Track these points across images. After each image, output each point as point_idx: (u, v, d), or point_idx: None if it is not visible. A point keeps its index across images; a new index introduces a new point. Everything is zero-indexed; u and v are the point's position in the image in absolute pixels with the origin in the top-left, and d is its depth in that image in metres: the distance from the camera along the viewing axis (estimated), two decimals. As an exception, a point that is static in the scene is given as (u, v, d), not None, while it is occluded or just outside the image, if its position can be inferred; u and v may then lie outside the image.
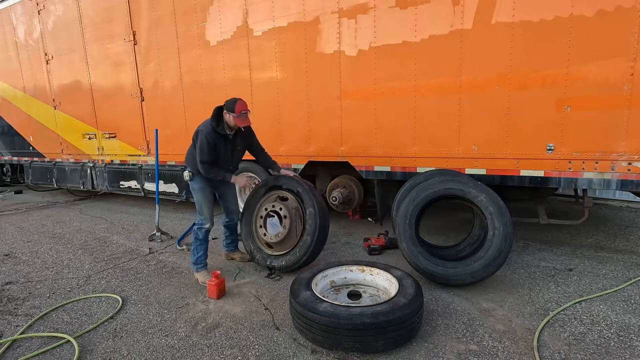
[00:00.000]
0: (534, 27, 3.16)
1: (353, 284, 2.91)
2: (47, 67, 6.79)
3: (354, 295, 2.83)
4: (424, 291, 2.60)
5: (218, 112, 3.22)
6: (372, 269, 2.88)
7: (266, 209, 3.58)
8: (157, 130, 4.87)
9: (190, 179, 3.36)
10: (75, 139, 6.82)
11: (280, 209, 3.49)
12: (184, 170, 3.39)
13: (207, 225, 3.43)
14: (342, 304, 2.33)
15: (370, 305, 2.29)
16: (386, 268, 2.82)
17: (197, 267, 3.40)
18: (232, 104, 3.13)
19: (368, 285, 2.89)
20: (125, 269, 3.77)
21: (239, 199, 4.55)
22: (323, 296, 2.48)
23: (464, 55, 3.45)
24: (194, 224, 3.44)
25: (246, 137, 3.48)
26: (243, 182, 3.51)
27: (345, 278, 2.92)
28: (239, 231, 3.80)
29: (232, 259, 3.89)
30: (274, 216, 3.54)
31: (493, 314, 2.69)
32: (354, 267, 2.93)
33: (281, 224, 3.49)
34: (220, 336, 2.52)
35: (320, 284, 2.76)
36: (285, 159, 4.65)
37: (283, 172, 3.65)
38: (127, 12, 5.51)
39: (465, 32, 3.42)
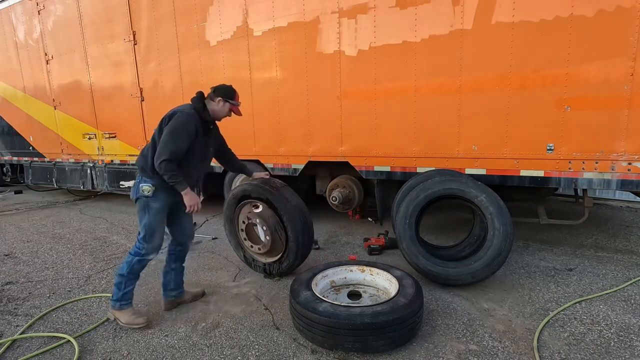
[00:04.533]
0: (534, 27, 3.16)
1: (353, 284, 2.91)
2: (47, 67, 6.78)
3: (354, 295, 2.83)
4: (424, 291, 2.60)
5: (202, 97, 2.69)
6: (372, 269, 2.88)
7: (244, 222, 3.40)
8: None
9: (152, 195, 2.56)
10: (75, 139, 6.82)
11: (257, 220, 3.29)
12: (142, 182, 2.57)
13: (151, 256, 2.67)
14: (342, 304, 2.33)
15: (370, 305, 2.29)
16: (386, 268, 2.82)
17: (121, 303, 2.62)
18: (231, 92, 2.75)
19: (368, 285, 2.89)
20: (125, 269, 3.77)
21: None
22: (323, 296, 2.48)
23: (464, 55, 3.45)
24: (138, 244, 2.61)
25: (217, 137, 2.94)
26: (196, 201, 2.62)
27: (345, 278, 2.92)
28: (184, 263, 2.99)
29: (182, 302, 2.95)
30: (256, 225, 3.35)
31: (493, 314, 2.69)
32: (354, 267, 2.93)
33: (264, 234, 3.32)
34: (220, 336, 2.52)
35: (320, 284, 2.76)
36: (286, 159, 4.66)
37: (256, 174, 3.33)
38: (127, 12, 5.51)
39: (465, 32, 3.42)
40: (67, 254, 4.32)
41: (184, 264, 2.98)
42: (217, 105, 2.70)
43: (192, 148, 2.57)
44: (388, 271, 2.76)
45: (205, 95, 2.72)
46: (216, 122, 2.82)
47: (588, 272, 3.31)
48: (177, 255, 2.92)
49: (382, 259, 3.78)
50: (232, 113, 2.79)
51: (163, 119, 2.59)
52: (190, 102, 2.67)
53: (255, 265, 3.51)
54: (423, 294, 2.50)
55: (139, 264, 2.64)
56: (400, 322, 2.21)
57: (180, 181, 2.50)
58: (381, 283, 2.80)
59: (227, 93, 2.73)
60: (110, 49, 5.86)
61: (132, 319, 2.60)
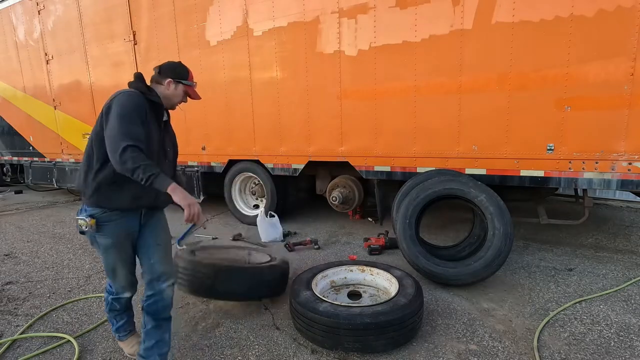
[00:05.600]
0: (534, 27, 3.16)
1: (353, 284, 2.91)
2: (47, 67, 6.78)
3: (354, 295, 2.83)
4: (424, 291, 2.60)
5: (142, 77, 2.06)
6: (372, 269, 2.88)
7: None
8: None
9: (95, 231, 1.88)
10: (75, 138, 6.82)
11: None
12: (78, 213, 1.93)
13: (127, 294, 2.16)
14: (342, 304, 2.33)
15: (370, 305, 2.30)
16: (386, 268, 2.82)
17: (119, 335, 2.30)
18: (182, 69, 2.12)
19: (368, 285, 2.89)
20: (125, 269, 3.77)
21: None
22: (323, 296, 2.48)
23: (464, 55, 3.45)
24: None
25: (173, 137, 2.25)
26: (193, 201, 1.78)
27: (346, 278, 2.92)
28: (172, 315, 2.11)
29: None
30: None
31: (493, 314, 2.69)
32: (354, 267, 2.94)
33: None
34: (220, 336, 2.53)
35: (321, 284, 2.76)
36: (286, 159, 4.66)
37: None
38: (127, 12, 5.51)
39: (465, 32, 3.41)
40: (67, 254, 4.32)
41: (157, 325, 1.99)
42: (167, 89, 2.07)
43: (147, 141, 1.88)
44: (388, 271, 2.76)
45: (150, 79, 2.13)
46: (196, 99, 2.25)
47: (588, 272, 3.31)
48: (146, 308, 1.99)
49: (382, 259, 3.78)
50: (188, 97, 2.18)
51: (101, 113, 1.88)
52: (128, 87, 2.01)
53: None
54: (423, 294, 2.50)
55: (117, 303, 2.20)
56: (401, 322, 2.21)
57: (158, 173, 1.71)
58: (381, 283, 2.80)
59: (177, 72, 2.10)
60: (110, 49, 5.86)
61: (135, 350, 2.20)
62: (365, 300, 2.76)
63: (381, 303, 2.32)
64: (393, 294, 2.45)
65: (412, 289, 2.44)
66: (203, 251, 3.09)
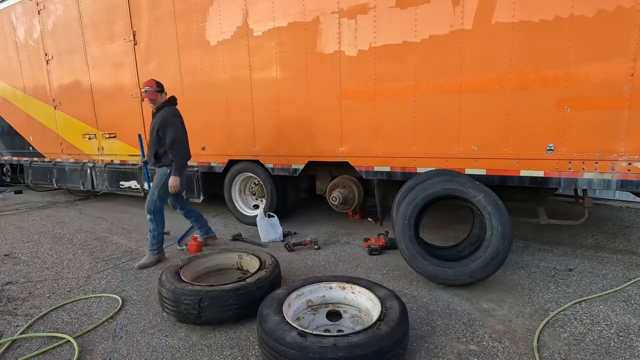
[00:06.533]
0: (534, 27, 3.16)
1: (332, 303, 2.62)
2: (47, 67, 6.79)
3: (334, 314, 2.58)
4: (424, 291, 2.60)
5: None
6: (354, 286, 2.57)
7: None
8: (140, 135, 4.80)
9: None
10: (75, 139, 6.83)
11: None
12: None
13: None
14: (313, 333, 2.03)
15: (345, 335, 2.00)
16: (369, 286, 2.52)
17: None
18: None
19: (349, 305, 2.59)
20: (125, 269, 3.77)
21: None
22: (299, 317, 2.34)
23: (464, 55, 3.45)
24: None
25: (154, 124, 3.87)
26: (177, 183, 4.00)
27: (324, 297, 2.62)
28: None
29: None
30: None
31: (493, 314, 2.69)
32: (334, 284, 2.63)
33: None
34: (220, 336, 2.53)
35: (295, 304, 2.49)
36: (286, 159, 4.66)
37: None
38: (127, 12, 5.51)
39: (465, 32, 3.41)
40: (67, 254, 4.32)
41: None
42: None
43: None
44: (371, 290, 2.47)
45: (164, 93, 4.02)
46: (155, 109, 3.95)
47: (588, 273, 3.31)
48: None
49: (382, 259, 3.79)
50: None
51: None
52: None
53: None
54: (409, 319, 2.24)
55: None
56: (381, 356, 1.93)
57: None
58: (363, 304, 2.51)
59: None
60: (110, 49, 5.86)
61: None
62: (346, 322, 2.50)
63: (358, 332, 2.01)
64: (374, 318, 2.19)
65: (396, 313, 2.14)
66: (191, 267, 3.08)
